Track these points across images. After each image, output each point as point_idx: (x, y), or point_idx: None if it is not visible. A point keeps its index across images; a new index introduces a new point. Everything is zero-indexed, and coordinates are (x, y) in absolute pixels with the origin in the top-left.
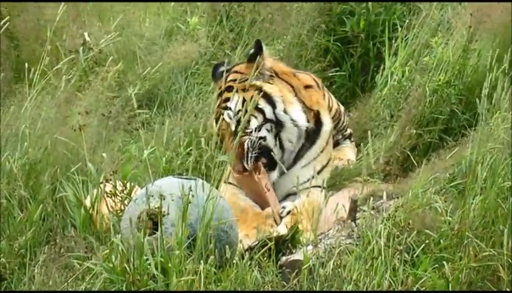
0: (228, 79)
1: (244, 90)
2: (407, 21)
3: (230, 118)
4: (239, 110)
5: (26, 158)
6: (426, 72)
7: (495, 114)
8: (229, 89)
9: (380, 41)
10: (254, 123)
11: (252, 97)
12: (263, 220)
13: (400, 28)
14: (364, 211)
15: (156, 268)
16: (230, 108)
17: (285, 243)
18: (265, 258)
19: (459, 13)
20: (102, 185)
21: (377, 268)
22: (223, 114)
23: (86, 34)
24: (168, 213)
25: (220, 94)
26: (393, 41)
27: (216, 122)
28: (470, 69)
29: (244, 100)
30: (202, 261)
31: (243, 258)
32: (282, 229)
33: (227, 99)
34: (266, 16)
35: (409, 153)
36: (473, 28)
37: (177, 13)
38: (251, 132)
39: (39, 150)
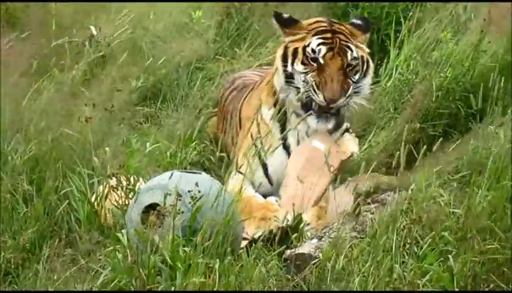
0: (336, 26)
1: (357, 47)
2: (410, 13)
3: (351, 57)
4: (355, 58)
5: (30, 152)
6: (434, 67)
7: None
8: (343, 34)
9: (385, 34)
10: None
11: (363, 56)
12: (267, 209)
13: (404, 21)
14: (368, 204)
15: (163, 263)
16: (352, 51)
17: (289, 235)
18: (269, 251)
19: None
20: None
21: (385, 262)
22: (343, 50)
23: (92, 28)
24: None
25: (323, 32)
26: (398, 34)
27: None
28: (479, 68)
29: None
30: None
31: (249, 251)
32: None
33: (346, 41)
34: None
35: (411, 146)
36: (486, 30)
37: (184, 6)
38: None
39: (44, 144)
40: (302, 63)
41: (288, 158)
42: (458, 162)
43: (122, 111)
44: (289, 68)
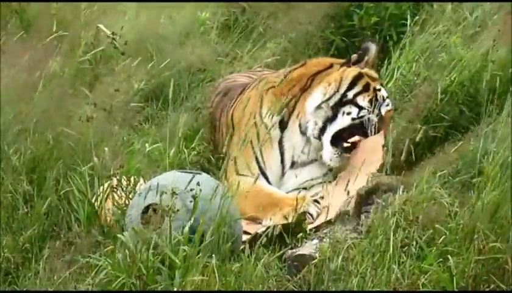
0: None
1: None
2: (417, 17)
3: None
4: None
5: (30, 152)
6: (440, 70)
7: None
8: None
9: (388, 35)
10: None
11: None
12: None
13: (408, 23)
14: (368, 204)
15: (162, 263)
16: None
17: (291, 232)
18: (270, 252)
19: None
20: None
21: (384, 262)
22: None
23: (102, 26)
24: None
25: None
26: (401, 35)
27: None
28: (484, 75)
29: None
30: (211, 255)
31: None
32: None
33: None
34: (273, 12)
35: (412, 147)
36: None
37: (191, 8)
38: None
39: (44, 144)
40: (370, 101)
41: (284, 168)
42: (458, 162)
43: (123, 112)
44: (350, 96)
